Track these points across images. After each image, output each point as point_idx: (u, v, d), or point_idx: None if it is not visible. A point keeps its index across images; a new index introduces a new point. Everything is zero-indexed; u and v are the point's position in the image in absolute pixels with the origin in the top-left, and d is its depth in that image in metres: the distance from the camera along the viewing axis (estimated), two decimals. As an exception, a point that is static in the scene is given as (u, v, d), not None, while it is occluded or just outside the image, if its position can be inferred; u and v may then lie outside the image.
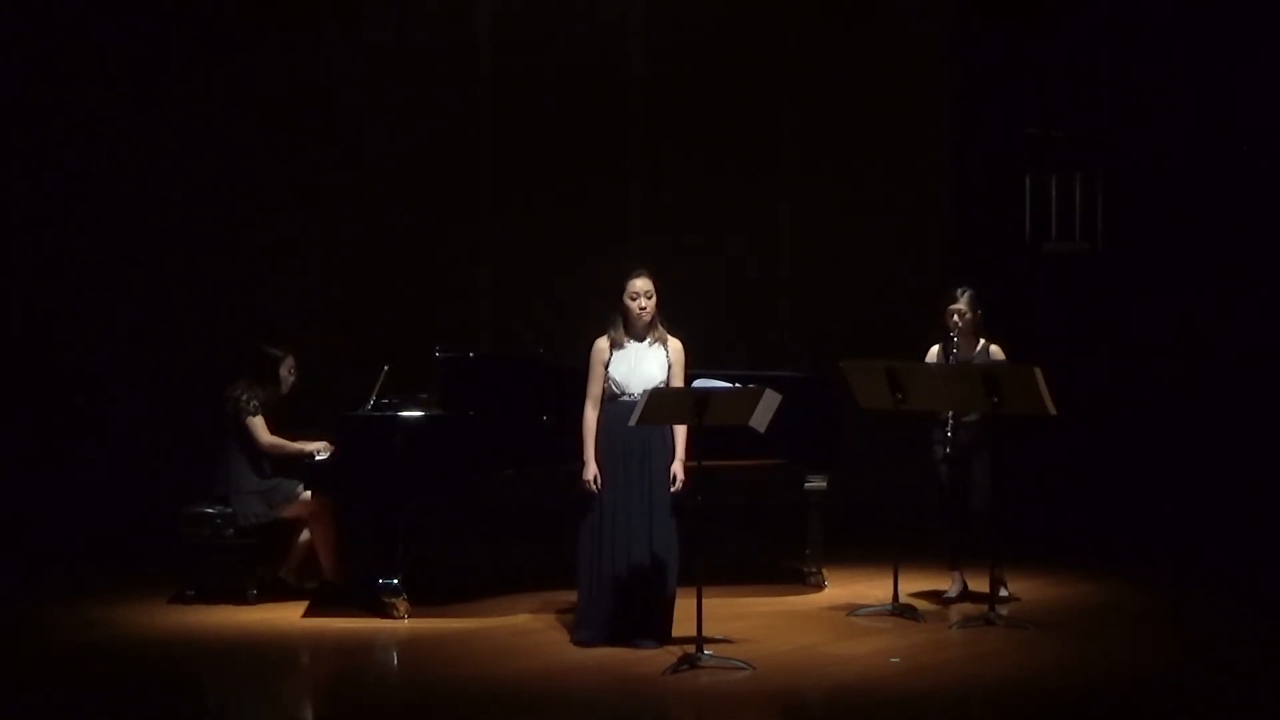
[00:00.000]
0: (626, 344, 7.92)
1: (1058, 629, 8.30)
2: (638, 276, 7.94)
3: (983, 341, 8.90)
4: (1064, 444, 11.58)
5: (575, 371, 8.06)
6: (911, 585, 9.02)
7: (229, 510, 8.88)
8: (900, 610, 8.56)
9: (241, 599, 8.83)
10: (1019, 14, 12.68)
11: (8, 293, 12.27)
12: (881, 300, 12.72)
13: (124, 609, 8.78)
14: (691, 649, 7.49)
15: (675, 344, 7.97)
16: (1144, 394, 12.31)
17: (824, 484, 9.29)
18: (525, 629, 8.38)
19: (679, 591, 7.86)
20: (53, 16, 12.24)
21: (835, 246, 12.90)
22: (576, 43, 12.84)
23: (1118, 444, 12.28)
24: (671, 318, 8.05)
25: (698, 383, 7.85)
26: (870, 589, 9.17)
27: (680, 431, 7.87)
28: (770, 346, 12.52)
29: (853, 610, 8.71)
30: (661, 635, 7.83)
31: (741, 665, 7.44)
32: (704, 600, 7.50)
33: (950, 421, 8.77)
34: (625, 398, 7.86)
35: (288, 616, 8.65)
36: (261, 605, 8.82)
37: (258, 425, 8.91)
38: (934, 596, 8.99)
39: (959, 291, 8.90)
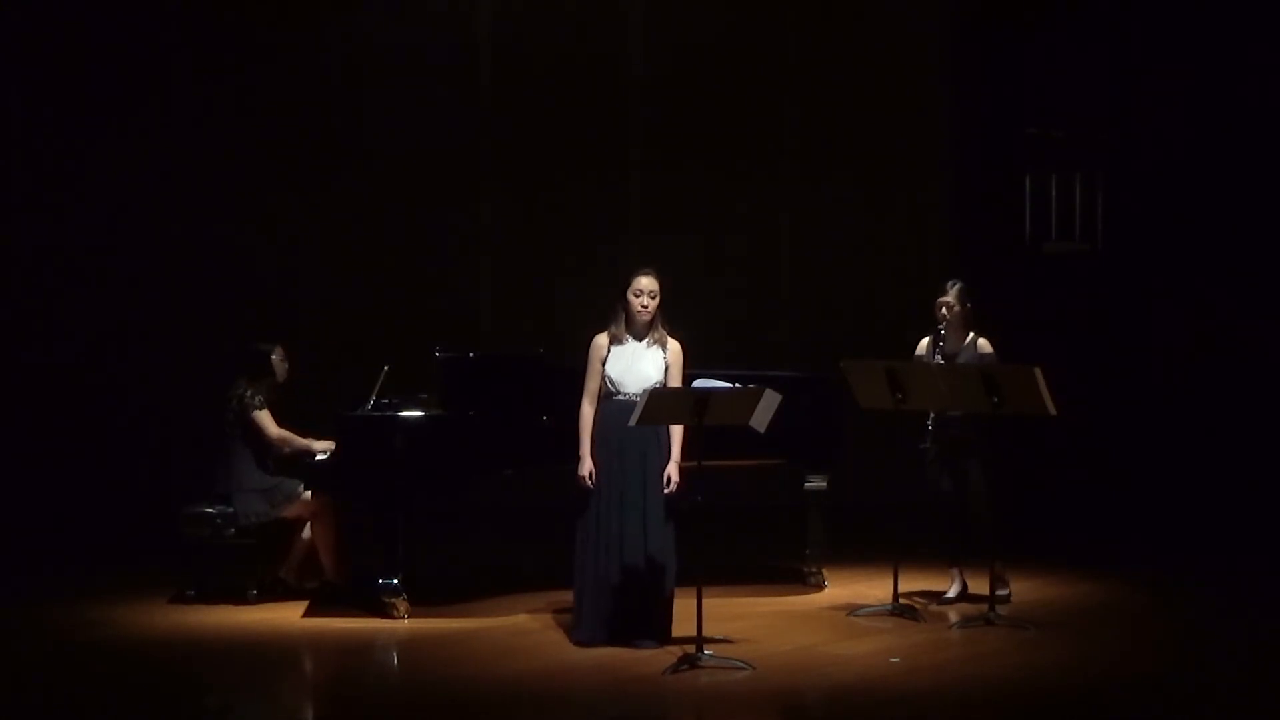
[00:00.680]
0: (626, 341, 7.92)
1: (1058, 629, 8.31)
2: (644, 274, 7.93)
3: (971, 335, 8.90)
4: (1064, 444, 11.58)
5: (575, 371, 8.05)
6: (911, 585, 9.02)
7: (229, 510, 8.88)
8: (900, 610, 8.57)
9: (241, 599, 8.84)
10: (1018, 14, 12.68)
11: (7, 292, 12.28)
12: (881, 300, 12.72)
13: (124, 609, 8.78)
14: (691, 649, 7.49)
15: (674, 346, 7.97)
16: (1144, 394, 12.31)
17: (824, 484, 9.29)
18: (525, 629, 8.39)
19: (678, 591, 7.87)
20: (53, 16, 12.24)
21: (835, 246, 12.90)
22: (577, 42, 12.85)
23: (1117, 444, 12.28)
24: (671, 318, 8.05)
25: (698, 383, 7.85)
26: (870, 589, 9.17)
27: (676, 432, 7.87)
28: (770, 346, 12.52)
29: (853, 610, 8.71)
30: (661, 635, 7.83)
31: (741, 665, 7.44)
32: (704, 600, 7.50)
33: (932, 417, 8.78)
34: (621, 396, 7.86)
35: (288, 616, 8.66)
36: (261, 605, 8.82)
37: (265, 418, 8.92)
38: (934, 597, 8.99)
39: (948, 284, 8.92)
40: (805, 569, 9.41)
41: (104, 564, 10.31)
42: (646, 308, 7.88)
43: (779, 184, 13.01)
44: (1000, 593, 8.70)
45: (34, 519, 11.50)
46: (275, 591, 9.00)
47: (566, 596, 8.14)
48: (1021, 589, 9.13)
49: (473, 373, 8.96)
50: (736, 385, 7.83)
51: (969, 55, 12.84)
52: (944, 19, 12.95)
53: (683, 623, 7.76)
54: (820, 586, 9.37)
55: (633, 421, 7.56)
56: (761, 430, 7.73)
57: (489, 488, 9.01)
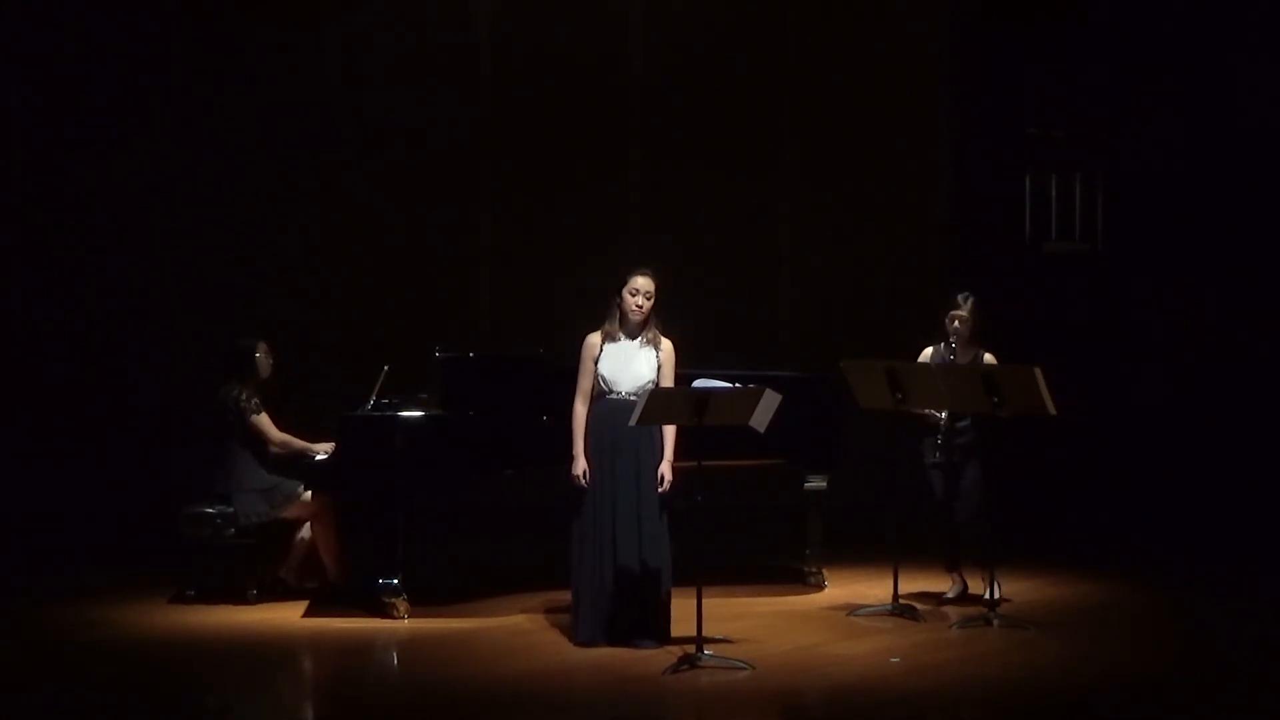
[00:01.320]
0: (619, 340, 7.92)
1: (1058, 629, 8.31)
2: (641, 275, 7.93)
3: (977, 351, 8.88)
4: (1063, 444, 11.57)
5: (575, 372, 8.05)
6: (911, 585, 9.02)
7: (229, 510, 8.88)
8: (900, 610, 8.57)
9: (241, 599, 8.84)
10: (1018, 15, 12.68)
11: (7, 293, 12.28)
12: (881, 300, 12.71)
13: (124, 609, 8.78)
14: (691, 649, 7.49)
15: (667, 345, 7.97)
16: (1143, 394, 12.31)
17: (824, 484, 9.29)
18: (525, 629, 8.39)
19: (677, 591, 7.87)
20: (53, 16, 12.24)
21: (835, 246, 12.90)
22: (577, 42, 12.84)
23: (1117, 444, 12.28)
24: (671, 317, 8.04)
25: (698, 383, 7.85)
26: (870, 589, 9.17)
27: (669, 431, 7.88)
28: (770, 346, 12.52)
29: (853, 610, 8.71)
30: (660, 635, 7.83)
31: (741, 665, 7.44)
32: (704, 600, 7.51)
33: (943, 427, 8.77)
34: (613, 395, 7.88)
35: (288, 616, 8.66)
36: (261, 605, 8.82)
37: (264, 423, 8.92)
38: (934, 598, 8.98)
39: (961, 298, 8.88)
40: (805, 569, 9.41)
41: (104, 564, 10.31)
42: (641, 308, 7.88)
43: (778, 184, 13.00)
44: (993, 597, 8.66)
45: (34, 519, 11.49)
46: (275, 591, 8.99)
47: (566, 596, 8.14)
48: (1021, 589, 9.13)
49: (473, 373, 8.96)
50: (736, 385, 7.83)
51: (969, 55, 12.83)
52: (944, 19, 12.93)
53: (683, 623, 7.76)
54: (820, 586, 9.37)
55: (633, 421, 7.56)
56: (761, 430, 7.73)
57: (489, 488, 9.01)
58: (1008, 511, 9.06)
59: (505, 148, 12.81)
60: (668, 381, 7.90)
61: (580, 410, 7.94)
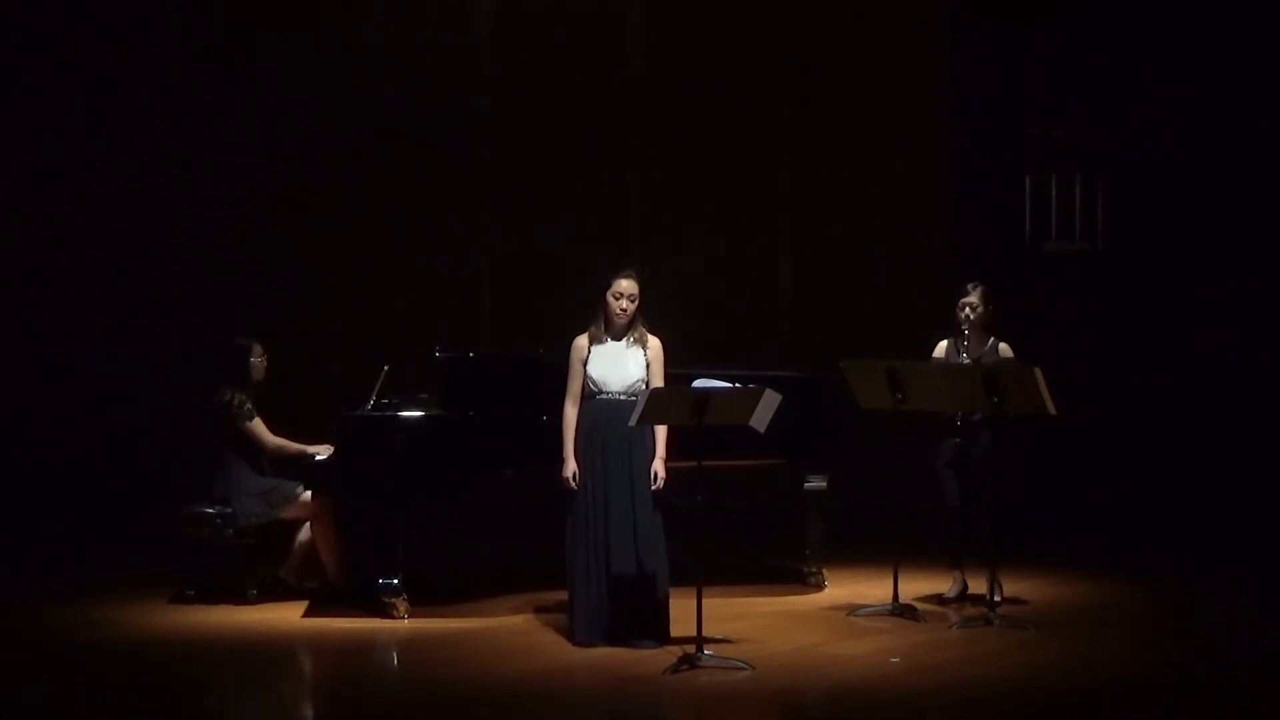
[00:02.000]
0: (606, 341, 7.93)
1: (1058, 629, 8.31)
2: (624, 277, 7.95)
3: (992, 339, 8.88)
4: (1063, 444, 11.57)
5: (574, 372, 8.06)
6: (911, 585, 9.01)
7: (229, 510, 8.88)
8: (900, 610, 8.56)
9: (241, 599, 8.83)
10: (1018, 14, 12.68)
11: (6, 293, 12.28)
12: (881, 300, 12.71)
13: (124, 609, 8.78)
14: (691, 649, 7.49)
15: (654, 343, 7.98)
16: (1144, 394, 12.31)
17: (824, 484, 9.28)
18: (525, 629, 8.39)
19: (676, 591, 7.88)
20: (53, 17, 12.24)
21: (835, 246, 12.89)
22: (577, 43, 12.84)
23: (1118, 444, 12.27)
24: (671, 317, 8.05)
25: (698, 383, 7.86)
26: (870, 589, 9.17)
27: (661, 430, 7.88)
28: (770, 346, 12.52)
29: (853, 610, 8.71)
30: (659, 635, 7.83)
31: (741, 665, 7.44)
32: (704, 600, 7.51)
33: (960, 424, 8.75)
34: (604, 396, 7.89)
35: (288, 616, 8.65)
36: (261, 605, 8.82)
37: (258, 429, 8.92)
38: (935, 598, 8.97)
39: (970, 286, 8.87)
40: (805, 569, 9.41)
41: (104, 564, 10.31)
42: (625, 310, 7.91)
43: (779, 184, 13.00)
44: (995, 599, 8.67)
45: (34, 519, 11.49)
46: (275, 591, 8.99)
47: (564, 596, 8.13)
48: (1021, 589, 9.12)
49: (473, 373, 8.96)
50: (736, 385, 7.83)
51: (969, 55, 12.83)
52: (944, 19, 12.93)
53: (683, 623, 7.76)
54: (820, 586, 9.36)
55: (633, 421, 7.58)
56: (761, 430, 7.73)
57: (489, 488, 9.01)
58: (1008, 511, 9.04)
59: (505, 148, 12.80)
60: (657, 378, 7.92)
61: (569, 413, 7.96)
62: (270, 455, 8.94)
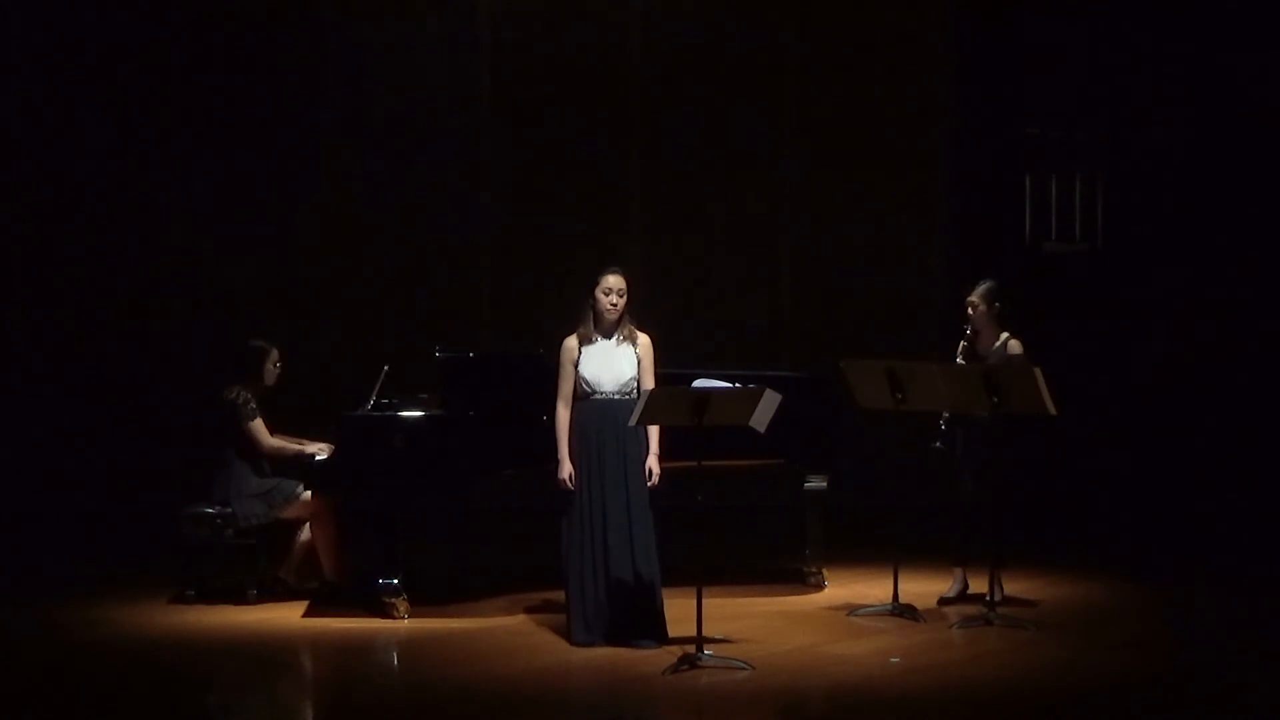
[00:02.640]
0: (596, 341, 7.94)
1: (1058, 629, 8.31)
2: (611, 273, 7.96)
3: (1004, 335, 8.86)
4: (1063, 444, 11.57)
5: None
6: (911, 585, 9.00)
7: (229, 510, 8.88)
8: (900, 610, 8.56)
9: (241, 599, 8.83)
10: (1018, 14, 12.68)
11: (7, 293, 12.28)
12: (882, 300, 12.71)
13: (124, 609, 8.77)
14: (691, 649, 7.49)
15: (644, 340, 7.99)
16: (1144, 394, 12.31)
17: (824, 484, 9.28)
18: (525, 629, 8.39)
19: (675, 591, 7.88)
20: (53, 16, 12.24)
21: (835, 246, 12.89)
22: (577, 42, 12.83)
23: (1117, 444, 12.27)
24: (671, 317, 8.05)
25: (698, 383, 7.86)
26: (870, 589, 9.16)
27: (654, 426, 7.88)
28: (770, 346, 12.51)
29: (853, 610, 8.71)
30: (659, 634, 7.83)
31: (741, 665, 7.44)
32: (704, 600, 7.51)
33: (943, 427, 8.74)
34: (598, 395, 7.90)
35: (288, 616, 8.65)
36: (261, 605, 8.81)
37: (259, 429, 8.91)
38: (934, 597, 8.97)
39: (977, 284, 8.89)
40: (805, 569, 9.41)
41: (104, 564, 10.31)
42: (615, 306, 7.91)
43: (778, 183, 12.99)
44: (995, 598, 8.66)
45: (34, 518, 11.49)
46: (275, 591, 8.99)
47: (564, 596, 8.13)
48: (1021, 589, 9.12)
49: (473, 373, 8.96)
50: (736, 385, 7.83)
51: (969, 55, 12.83)
52: (944, 19, 12.93)
53: (683, 623, 7.76)
54: (820, 586, 9.36)
55: (633, 421, 7.60)
56: (761, 430, 7.73)
57: (489, 488, 9.01)
58: (1010, 511, 9.04)
59: (505, 147, 12.80)
60: (649, 375, 7.93)
61: (562, 415, 7.96)
62: (267, 456, 8.93)
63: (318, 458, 8.79)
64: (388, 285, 12.65)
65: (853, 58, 12.94)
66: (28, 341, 12.26)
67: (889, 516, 9.07)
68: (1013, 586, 8.98)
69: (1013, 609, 8.63)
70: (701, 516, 7.47)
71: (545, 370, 8.63)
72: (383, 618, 8.50)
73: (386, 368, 8.93)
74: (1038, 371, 8.17)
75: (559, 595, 8.18)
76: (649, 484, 7.88)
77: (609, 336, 7.95)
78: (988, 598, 8.50)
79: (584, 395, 7.93)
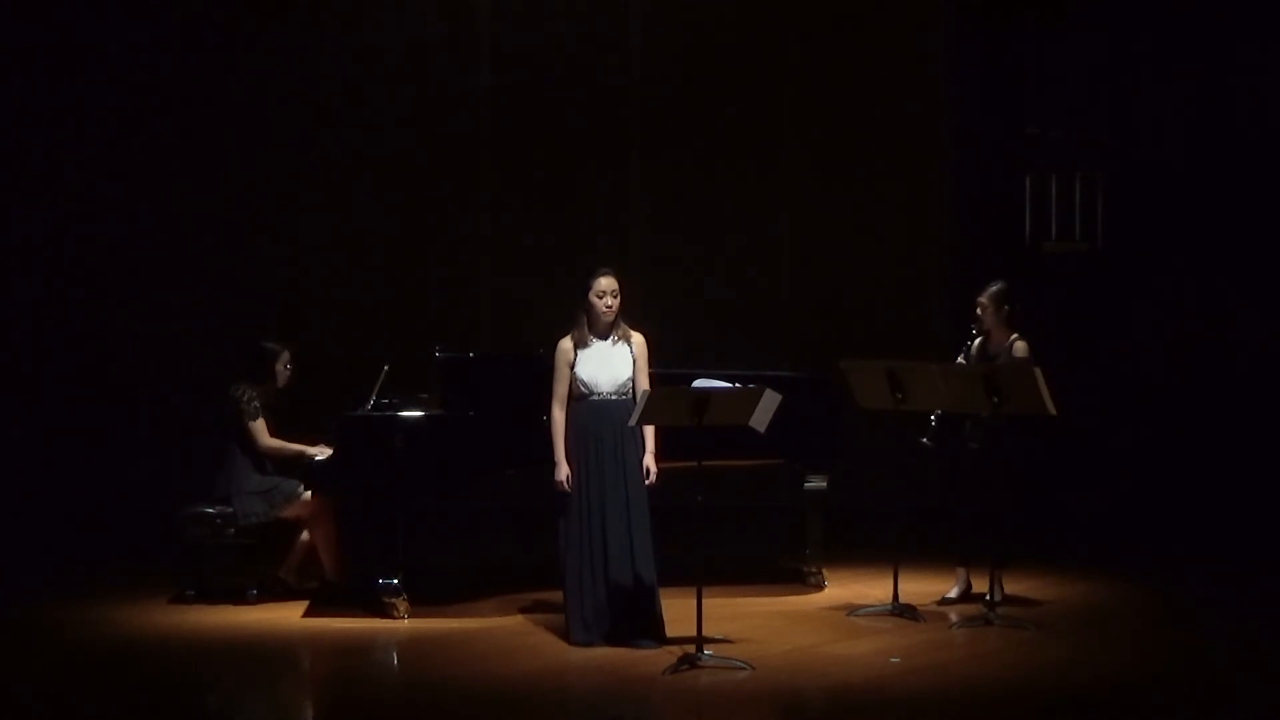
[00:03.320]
0: (591, 343, 7.94)
1: (1058, 629, 8.31)
2: (603, 275, 7.97)
3: (1014, 336, 8.86)
4: (1063, 444, 11.56)
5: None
6: (911, 585, 9.00)
7: (229, 510, 8.88)
8: (900, 610, 8.56)
9: (241, 599, 8.84)
10: (1018, 14, 12.67)
11: (7, 294, 12.28)
12: (881, 300, 12.71)
13: (124, 609, 8.78)
14: (691, 649, 7.49)
15: (639, 339, 8.00)
16: (1144, 394, 12.31)
17: (824, 484, 9.28)
18: (525, 629, 8.39)
19: (675, 591, 7.89)
20: (53, 15, 12.25)
21: (835, 246, 12.88)
22: (577, 43, 12.83)
23: (1117, 443, 12.27)
24: (671, 318, 8.06)
25: (698, 383, 7.86)
26: (870, 589, 9.17)
27: (649, 427, 7.89)
28: (770, 346, 12.51)
29: (853, 610, 8.71)
30: (658, 634, 7.83)
31: (741, 665, 7.44)
32: (704, 600, 7.51)
33: (933, 425, 8.74)
34: (595, 397, 7.91)
35: (288, 616, 8.65)
36: (261, 605, 8.82)
37: (259, 429, 8.91)
38: (934, 597, 8.97)
39: (987, 286, 8.88)
40: (805, 569, 9.41)
41: (104, 564, 10.31)
42: (611, 308, 7.92)
43: (778, 184, 12.99)
44: (995, 598, 8.66)
45: (35, 519, 11.49)
46: (275, 591, 8.99)
47: (562, 596, 8.13)
48: (1021, 589, 9.12)
49: (473, 373, 8.96)
50: (736, 385, 7.84)
51: (969, 55, 12.83)
52: (944, 19, 12.93)
53: (682, 623, 7.76)
54: (820, 586, 9.36)
55: (633, 421, 7.62)
56: (761, 430, 7.73)
57: (489, 488, 9.01)
58: (1011, 511, 9.03)
59: (505, 147, 12.81)
60: (643, 374, 7.94)
61: (558, 417, 7.97)
62: (264, 456, 8.93)
63: (318, 458, 8.79)
64: (387, 285, 12.65)
65: (853, 58, 12.94)
66: (27, 341, 12.26)
67: (889, 516, 9.06)
68: (1013, 586, 8.99)
69: (1013, 609, 8.64)
70: (701, 516, 7.48)
71: (545, 370, 8.63)
72: (383, 618, 8.50)
73: (386, 368, 8.94)
74: (1037, 371, 8.18)
75: (558, 595, 8.18)
76: (647, 483, 7.88)
77: (605, 338, 7.96)
78: (988, 597, 8.51)
79: (581, 396, 7.94)
